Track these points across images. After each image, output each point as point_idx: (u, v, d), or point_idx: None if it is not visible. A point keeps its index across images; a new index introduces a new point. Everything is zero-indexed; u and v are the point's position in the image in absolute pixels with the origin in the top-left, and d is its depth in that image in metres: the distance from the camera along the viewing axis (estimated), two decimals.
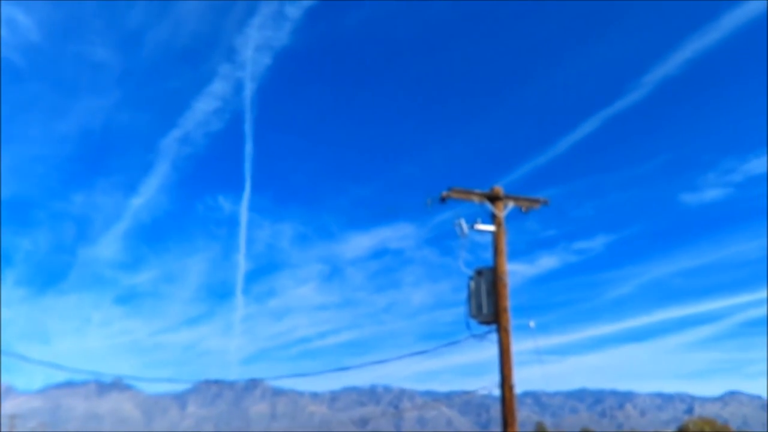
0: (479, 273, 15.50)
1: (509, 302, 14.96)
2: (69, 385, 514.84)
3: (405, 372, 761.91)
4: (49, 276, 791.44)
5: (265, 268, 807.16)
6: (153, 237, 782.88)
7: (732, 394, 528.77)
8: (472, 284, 15.48)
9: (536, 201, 16.17)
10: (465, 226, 15.47)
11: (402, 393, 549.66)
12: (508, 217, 15.75)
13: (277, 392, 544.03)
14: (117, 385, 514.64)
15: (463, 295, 15.67)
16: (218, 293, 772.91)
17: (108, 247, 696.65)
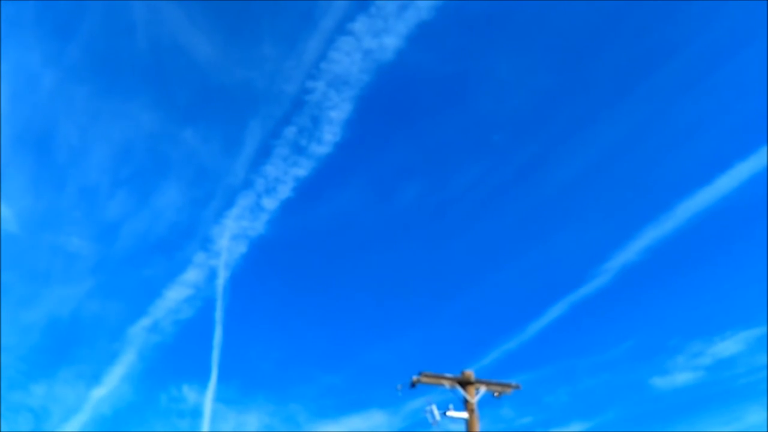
0: None
1: None
2: None
3: None
4: None
5: None
6: (112, 430, 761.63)
7: None
8: None
9: (508, 386, 15.67)
10: (437, 412, 14.78)
11: None
12: (482, 402, 15.23)
13: None
14: None
15: None
16: None
17: None
